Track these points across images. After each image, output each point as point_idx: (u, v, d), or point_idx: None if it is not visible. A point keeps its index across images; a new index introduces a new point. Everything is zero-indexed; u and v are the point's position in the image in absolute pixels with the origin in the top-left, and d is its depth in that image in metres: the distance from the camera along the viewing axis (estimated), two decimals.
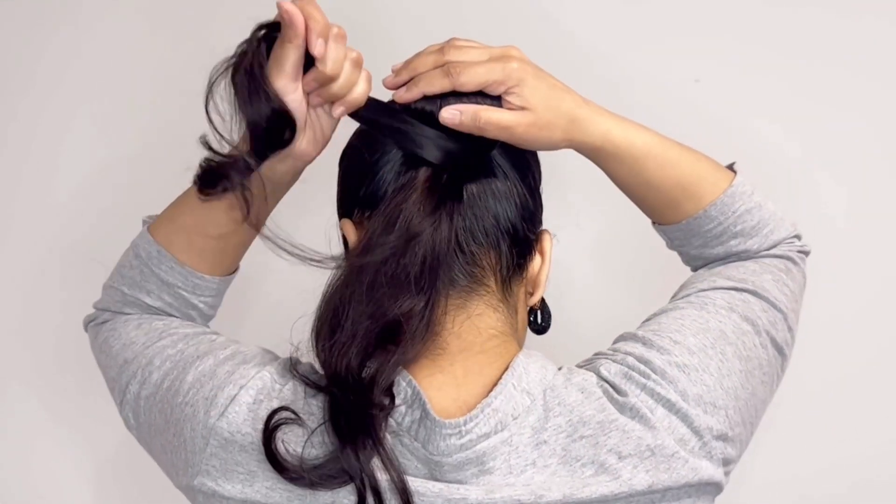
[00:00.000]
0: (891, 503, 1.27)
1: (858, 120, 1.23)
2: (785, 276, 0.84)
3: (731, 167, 0.88)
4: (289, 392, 0.74)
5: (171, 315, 0.86)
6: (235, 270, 0.89)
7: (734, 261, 0.86)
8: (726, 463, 0.75)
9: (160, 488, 0.85)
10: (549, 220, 0.83)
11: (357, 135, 0.80)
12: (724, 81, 1.22)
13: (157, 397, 0.78)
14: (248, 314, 1.26)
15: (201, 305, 0.87)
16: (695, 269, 0.92)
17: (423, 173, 0.74)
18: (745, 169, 0.87)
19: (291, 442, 0.72)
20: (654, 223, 0.91)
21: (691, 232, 0.87)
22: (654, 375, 0.74)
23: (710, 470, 0.73)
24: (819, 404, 1.25)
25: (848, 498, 1.27)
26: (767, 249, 0.86)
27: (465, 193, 0.74)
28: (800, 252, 0.88)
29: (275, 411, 0.72)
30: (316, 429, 0.71)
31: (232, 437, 0.73)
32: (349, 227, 0.79)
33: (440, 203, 0.73)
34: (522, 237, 0.77)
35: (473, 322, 0.76)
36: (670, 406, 0.73)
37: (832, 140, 1.23)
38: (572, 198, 1.22)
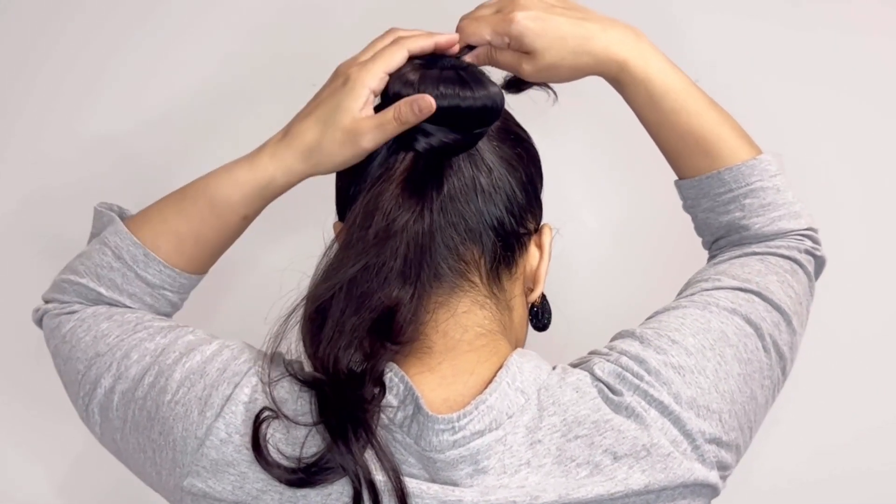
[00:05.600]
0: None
1: (859, 121, 1.22)
2: (790, 278, 0.82)
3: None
4: (282, 390, 0.73)
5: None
6: None
7: (736, 242, 0.85)
8: (722, 467, 0.74)
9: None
10: (549, 214, 0.83)
11: None
12: (725, 81, 1.21)
13: (139, 393, 0.76)
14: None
15: (179, 302, 0.86)
16: (704, 245, 0.91)
17: (401, 164, 0.74)
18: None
19: (282, 442, 0.71)
20: (675, 181, 0.90)
21: (702, 192, 0.86)
22: (647, 377, 0.73)
23: (703, 472, 0.72)
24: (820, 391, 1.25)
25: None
26: (770, 237, 0.85)
27: (445, 186, 0.74)
28: (808, 254, 0.85)
29: (262, 414, 0.71)
30: (311, 429, 0.70)
31: (229, 438, 0.72)
32: (339, 228, 0.78)
33: (419, 194, 0.72)
34: (510, 231, 0.76)
35: (459, 320, 0.75)
36: (662, 409, 0.72)
37: (832, 140, 1.22)
38: (575, 192, 1.21)
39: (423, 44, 0.78)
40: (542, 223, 0.82)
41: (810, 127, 1.21)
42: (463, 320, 0.75)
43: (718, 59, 1.21)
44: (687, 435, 0.72)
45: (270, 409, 0.71)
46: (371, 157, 0.76)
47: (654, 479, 0.70)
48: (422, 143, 0.74)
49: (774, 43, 1.22)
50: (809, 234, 0.87)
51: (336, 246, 0.75)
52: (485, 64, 0.82)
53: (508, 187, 0.76)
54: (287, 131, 0.79)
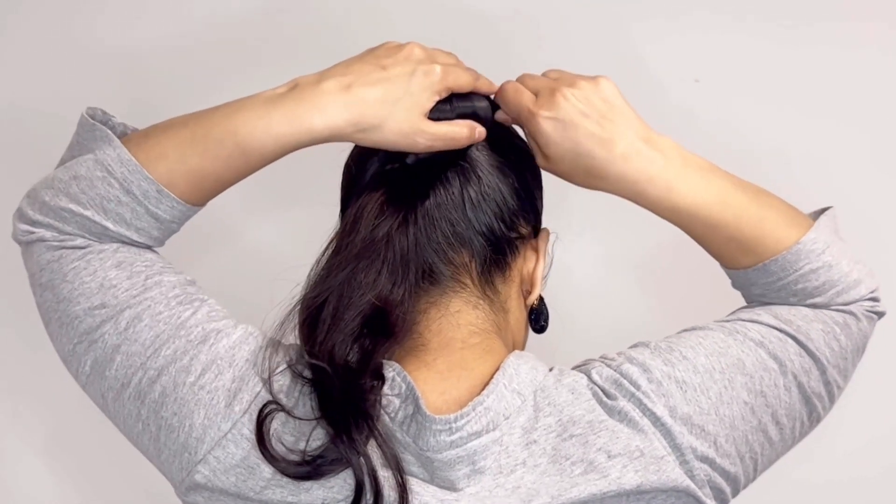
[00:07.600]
0: None
1: (859, 121, 1.22)
2: (839, 330, 0.80)
3: (824, 210, 0.84)
4: (294, 388, 0.74)
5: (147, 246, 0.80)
6: None
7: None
8: (715, 489, 0.75)
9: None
10: (548, 220, 0.84)
11: (351, 152, 0.82)
12: (724, 81, 1.22)
13: (152, 363, 0.74)
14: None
15: (179, 230, 0.82)
16: None
17: (390, 174, 0.77)
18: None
19: (288, 438, 0.72)
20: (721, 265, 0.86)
21: (751, 281, 0.82)
22: (645, 387, 0.74)
23: (692, 487, 0.73)
24: None
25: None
26: (833, 307, 0.81)
27: (432, 195, 0.76)
28: (868, 311, 0.82)
29: (265, 409, 0.72)
30: (315, 423, 0.71)
31: (251, 434, 0.72)
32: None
33: (402, 202, 0.75)
34: (500, 237, 0.78)
35: (451, 319, 0.76)
36: (655, 419, 0.73)
37: (833, 140, 1.22)
38: (572, 198, 1.21)
39: (479, 84, 0.80)
40: (541, 227, 0.83)
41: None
42: (455, 319, 0.77)
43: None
44: (676, 448, 0.73)
45: (274, 404, 0.72)
46: (367, 168, 0.78)
47: (646, 480, 0.71)
48: (411, 157, 0.77)
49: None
50: (872, 297, 0.83)
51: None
52: (514, 124, 0.82)
53: (499, 194, 0.78)
54: (348, 88, 0.74)
